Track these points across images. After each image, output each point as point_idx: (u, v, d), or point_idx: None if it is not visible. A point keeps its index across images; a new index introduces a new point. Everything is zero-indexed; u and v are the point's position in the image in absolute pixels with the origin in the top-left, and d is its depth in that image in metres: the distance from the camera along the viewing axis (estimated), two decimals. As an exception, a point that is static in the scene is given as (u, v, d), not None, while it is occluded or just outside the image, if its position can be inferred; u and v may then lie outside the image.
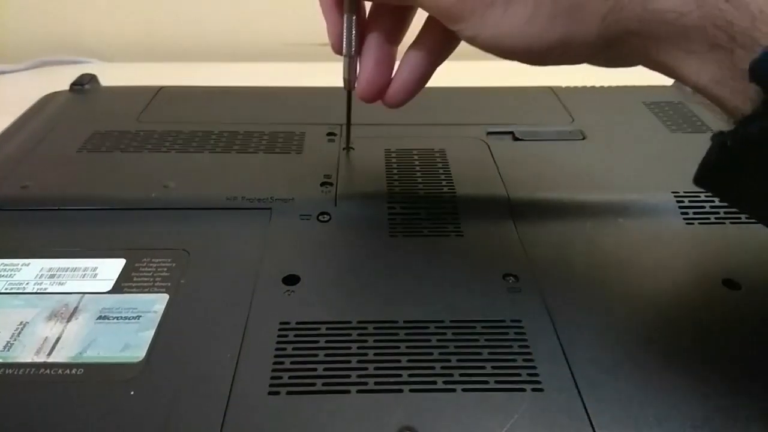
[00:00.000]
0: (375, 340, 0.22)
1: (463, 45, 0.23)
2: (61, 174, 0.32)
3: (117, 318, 0.23)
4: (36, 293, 0.24)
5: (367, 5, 0.26)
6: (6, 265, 0.26)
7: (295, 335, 0.22)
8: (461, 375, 0.21)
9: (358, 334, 0.22)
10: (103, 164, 0.33)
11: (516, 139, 0.36)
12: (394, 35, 0.26)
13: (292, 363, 0.21)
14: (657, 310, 0.24)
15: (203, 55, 0.62)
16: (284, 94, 0.42)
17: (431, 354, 0.21)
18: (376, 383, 0.20)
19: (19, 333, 0.22)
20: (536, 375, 0.21)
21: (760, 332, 0.23)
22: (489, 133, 0.36)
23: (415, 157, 0.33)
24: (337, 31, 0.26)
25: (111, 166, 0.32)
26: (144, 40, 0.63)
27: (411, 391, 0.20)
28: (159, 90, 0.42)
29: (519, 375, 0.21)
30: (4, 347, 0.22)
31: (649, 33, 0.19)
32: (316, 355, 0.21)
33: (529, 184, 0.31)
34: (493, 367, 0.21)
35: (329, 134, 0.36)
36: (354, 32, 0.26)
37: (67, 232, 0.28)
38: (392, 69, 0.26)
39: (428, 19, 0.24)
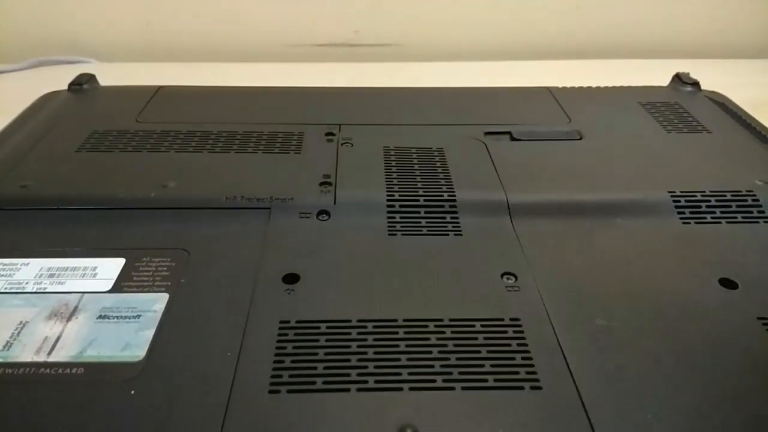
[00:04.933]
0: (374, 339, 0.22)
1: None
2: (60, 173, 0.32)
3: (117, 317, 0.23)
4: (36, 293, 0.24)
5: None
6: (5, 264, 0.26)
7: (295, 334, 0.22)
8: (460, 373, 0.21)
9: (358, 333, 0.22)
10: (102, 164, 0.33)
11: (513, 139, 0.36)
12: None
13: (292, 361, 0.21)
14: (654, 309, 0.24)
15: (202, 55, 0.62)
16: (283, 94, 0.42)
17: (430, 352, 0.22)
18: (375, 381, 0.20)
19: (19, 332, 0.22)
20: (534, 373, 0.21)
21: (757, 331, 0.23)
22: (487, 133, 0.36)
23: (414, 157, 0.33)
24: None
25: (110, 166, 0.32)
26: (143, 39, 0.63)
27: (411, 389, 0.20)
28: (158, 90, 0.42)
29: (517, 373, 0.21)
30: (4, 347, 0.22)
31: None
32: (316, 354, 0.21)
33: (526, 184, 0.31)
34: (492, 366, 0.21)
35: (328, 134, 0.36)
36: None
37: (66, 232, 0.28)
38: None
39: None
